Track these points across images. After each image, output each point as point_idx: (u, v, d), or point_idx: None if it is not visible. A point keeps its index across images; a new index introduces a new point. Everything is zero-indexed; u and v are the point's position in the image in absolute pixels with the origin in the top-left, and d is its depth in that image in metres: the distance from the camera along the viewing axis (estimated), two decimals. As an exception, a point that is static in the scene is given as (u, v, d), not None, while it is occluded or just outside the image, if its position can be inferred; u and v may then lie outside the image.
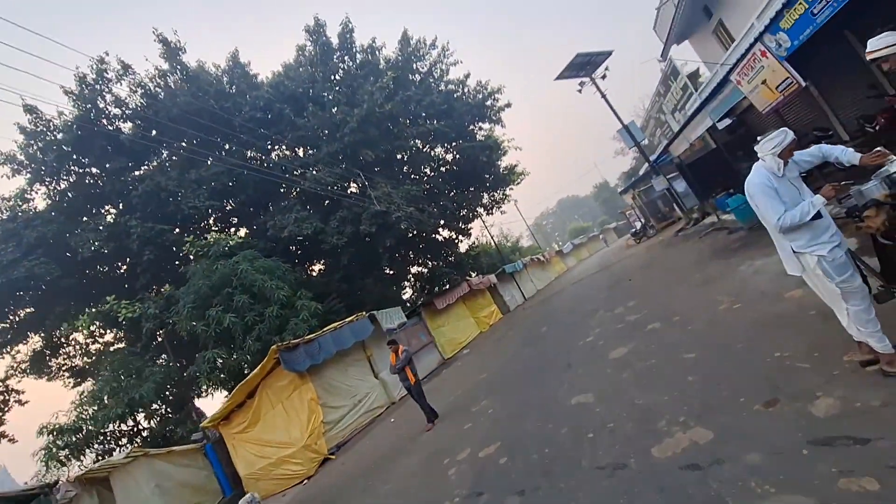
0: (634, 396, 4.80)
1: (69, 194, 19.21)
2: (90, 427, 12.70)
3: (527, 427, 5.60)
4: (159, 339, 15.95)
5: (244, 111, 20.16)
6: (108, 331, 19.36)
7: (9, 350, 19.64)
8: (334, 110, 18.79)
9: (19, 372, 20.11)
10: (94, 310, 16.00)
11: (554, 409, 5.67)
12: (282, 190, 20.50)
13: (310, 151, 18.99)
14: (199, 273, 14.99)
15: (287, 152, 19.92)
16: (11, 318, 17.69)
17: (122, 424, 13.39)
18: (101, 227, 17.28)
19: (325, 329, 12.83)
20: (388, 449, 8.39)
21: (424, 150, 27.25)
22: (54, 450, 12.25)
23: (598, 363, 6.57)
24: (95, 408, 13.15)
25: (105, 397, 13.39)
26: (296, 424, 11.17)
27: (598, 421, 4.69)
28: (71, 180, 19.23)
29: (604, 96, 20.74)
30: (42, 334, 17.96)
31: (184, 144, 19.14)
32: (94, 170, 19.40)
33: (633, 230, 29.53)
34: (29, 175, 18.48)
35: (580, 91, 21.12)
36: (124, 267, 18.69)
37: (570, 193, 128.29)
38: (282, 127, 19.84)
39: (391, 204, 17.88)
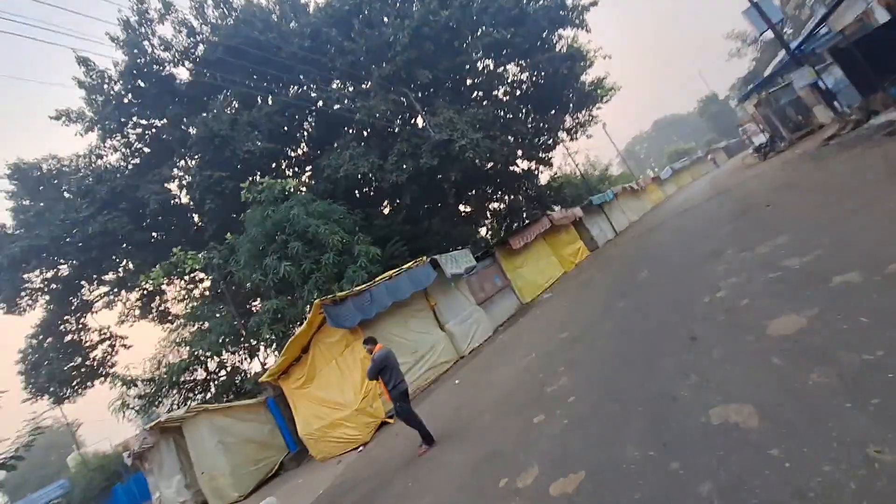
0: (856, 432, 2.37)
1: (137, 147, 19.30)
2: (164, 377, 12.90)
3: (627, 454, 3.41)
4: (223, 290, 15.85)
5: (294, 41, 18.35)
6: (199, 282, 19.95)
7: (120, 298, 21.26)
8: (385, 24, 16.18)
9: (131, 316, 21.84)
10: (166, 262, 16.09)
11: (674, 428, 3.39)
12: (344, 128, 18.85)
13: (362, 81, 16.89)
14: (254, 220, 14.13)
15: (339, 83, 18.00)
16: (107, 272, 18.68)
17: (193, 374, 13.53)
18: (163, 179, 17.06)
19: (377, 279, 11.30)
20: (440, 430, 6.71)
21: (495, 69, 23.77)
22: (126, 401, 12.68)
23: (747, 341, 4.06)
24: (171, 358, 13.34)
25: (176, 348, 13.54)
26: (349, 385, 10.01)
27: (779, 480, 2.37)
28: (137, 132, 19.23)
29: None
30: (134, 285, 18.84)
31: (233, 83, 17.98)
32: (156, 121, 19.17)
33: (757, 145, 24.07)
34: (100, 131, 18.70)
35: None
36: (196, 217, 18.70)
37: (668, 112, 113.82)
38: (332, 55, 17.81)
39: (454, 131, 15.41)
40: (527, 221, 21.27)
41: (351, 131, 18.10)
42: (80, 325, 20.27)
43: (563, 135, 29.22)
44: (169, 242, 18.46)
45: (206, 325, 15.37)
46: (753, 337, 4.06)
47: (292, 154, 19.45)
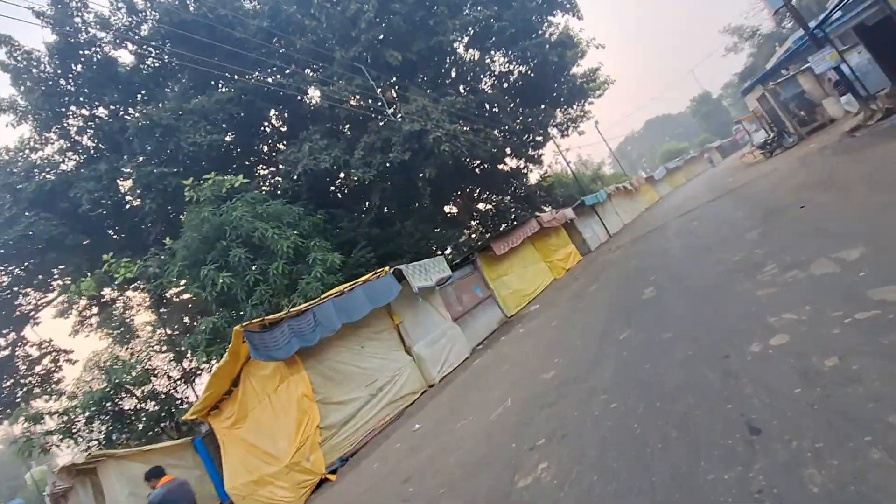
0: None
1: (77, 139, 17.15)
2: (79, 409, 10.82)
3: None
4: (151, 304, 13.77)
5: (250, 21, 16.31)
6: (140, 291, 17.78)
7: (75, 306, 18.97)
8: (347, -1, 14.24)
9: (87, 326, 19.60)
10: (99, 271, 13.97)
11: None
12: (308, 120, 16.82)
13: (325, 64, 14.90)
14: (192, 223, 12.09)
15: (298, 67, 15.98)
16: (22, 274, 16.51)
17: (118, 404, 11.44)
18: (100, 175, 14.94)
19: (325, 294, 9.33)
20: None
21: (480, 58, 21.87)
22: (33, 440, 10.56)
23: (870, 458, 2.15)
24: (93, 384, 11.27)
25: (93, 378, 11.48)
26: (283, 431, 8.01)
27: None
28: (78, 124, 17.07)
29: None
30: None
31: (181, 68, 15.90)
32: (97, 110, 17.02)
33: (762, 141, 22.39)
34: (33, 121, 16.52)
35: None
36: (136, 220, 16.58)
37: (660, 112, 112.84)
38: (292, 35, 15.78)
39: (427, 121, 13.47)
40: (515, 223, 19.42)
41: (315, 124, 16.09)
42: (18, 339, 18.08)
43: (553, 131, 27.45)
44: (109, 246, 16.34)
45: (134, 346, 13.37)
46: (878, 454, 2.16)
47: (257, 149, 17.40)
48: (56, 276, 16.73)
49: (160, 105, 14.92)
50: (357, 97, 14.59)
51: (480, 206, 26.57)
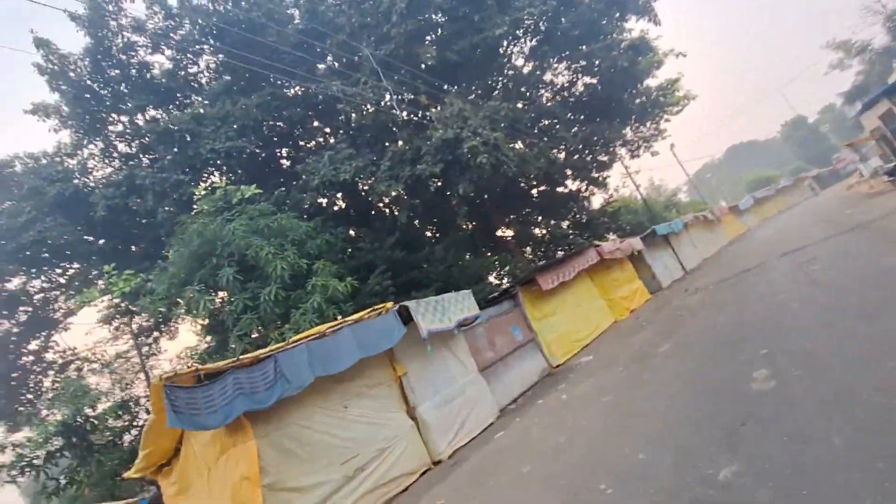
0: None
1: (115, 144, 16.79)
2: (37, 443, 9.45)
3: None
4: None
5: (287, 23, 15.25)
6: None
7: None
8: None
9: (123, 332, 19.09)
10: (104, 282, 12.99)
11: None
12: (332, 126, 15.35)
13: (354, 63, 13.29)
14: (184, 235, 10.62)
15: (328, 67, 14.56)
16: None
17: (79, 441, 10.00)
18: (119, 182, 14.17)
19: (297, 337, 7.21)
20: None
21: (537, 65, 19.55)
22: None
23: None
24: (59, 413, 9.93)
25: (57, 403, 10.15)
26: (214, 524, 5.88)
27: None
28: (117, 129, 16.72)
29: None
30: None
31: (217, 72, 15.04)
32: (134, 116, 16.58)
33: (891, 167, 18.02)
34: (72, 127, 16.35)
35: None
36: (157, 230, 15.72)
37: (744, 139, 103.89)
38: (325, 35, 14.41)
39: (463, 127, 11.31)
40: (570, 252, 16.64)
41: (340, 130, 14.53)
42: (42, 347, 17.78)
43: (621, 150, 24.31)
44: (128, 256, 15.56)
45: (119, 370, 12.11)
46: None
47: (278, 159, 16.17)
48: (76, 283, 16.18)
49: (183, 111, 14.01)
50: (387, 102, 12.81)
51: (536, 231, 23.86)
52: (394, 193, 12.38)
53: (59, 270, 16.21)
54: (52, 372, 17.09)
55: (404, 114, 11.87)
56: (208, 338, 11.80)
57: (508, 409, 9.90)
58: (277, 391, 6.24)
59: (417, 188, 12.83)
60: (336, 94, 12.43)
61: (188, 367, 6.16)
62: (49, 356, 17.49)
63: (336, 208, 14.70)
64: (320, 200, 13.02)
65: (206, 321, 11.22)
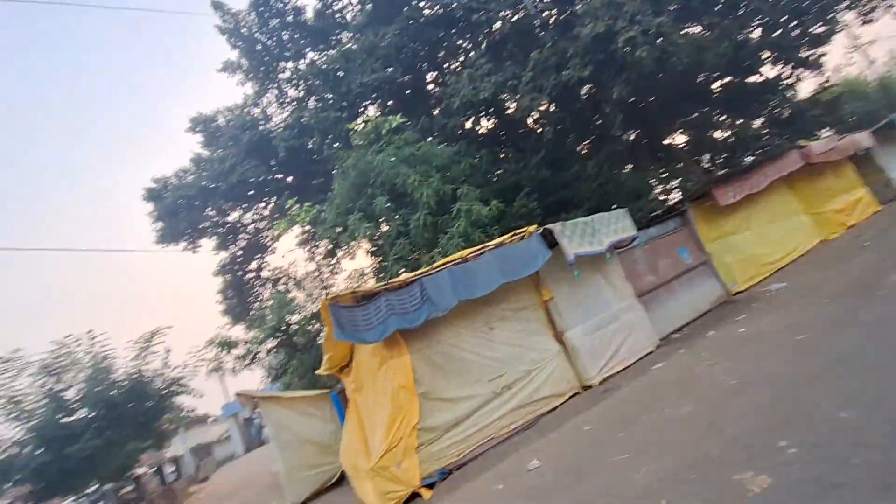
0: None
1: (284, 90, 18.84)
2: (256, 338, 12.08)
3: None
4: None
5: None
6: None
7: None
8: None
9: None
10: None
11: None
12: (469, 46, 14.50)
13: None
14: (343, 170, 11.60)
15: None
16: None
17: (287, 341, 12.40)
18: (292, 124, 15.98)
19: (441, 262, 7.36)
20: None
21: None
22: (222, 363, 12.35)
23: None
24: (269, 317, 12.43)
25: (270, 312, 12.59)
26: (379, 422, 6.73)
27: None
28: (284, 76, 18.66)
29: None
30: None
31: (352, 2, 15.34)
32: (297, 62, 18.18)
33: None
34: (252, 78, 18.73)
35: None
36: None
37: None
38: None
39: (616, 17, 9.49)
40: (759, 158, 13.60)
41: (482, 44, 13.59)
42: (259, 266, 22.19)
43: (847, 16, 18.07)
44: (310, 191, 17.87)
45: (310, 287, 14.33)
46: None
47: (422, 85, 16.14)
48: (275, 215, 19.40)
49: (334, 50, 14.76)
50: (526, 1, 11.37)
51: (716, 134, 19.91)
52: (539, 107, 11.38)
53: (261, 204, 19.63)
54: (268, 286, 21.37)
55: (545, 13, 10.42)
56: (372, 260, 13.15)
57: (671, 338, 9.01)
58: (424, 312, 6.58)
59: (564, 99, 11.53)
60: (471, 5, 11.51)
61: (347, 290, 6.86)
62: (264, 273, 21.80)
63: (480, 130, 14.29)
64: (463, 123, 12.74)
65: (368, 246, 12.44)
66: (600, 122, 12.83)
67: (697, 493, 3.25)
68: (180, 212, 18.22)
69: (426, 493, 6.07)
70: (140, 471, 18.56)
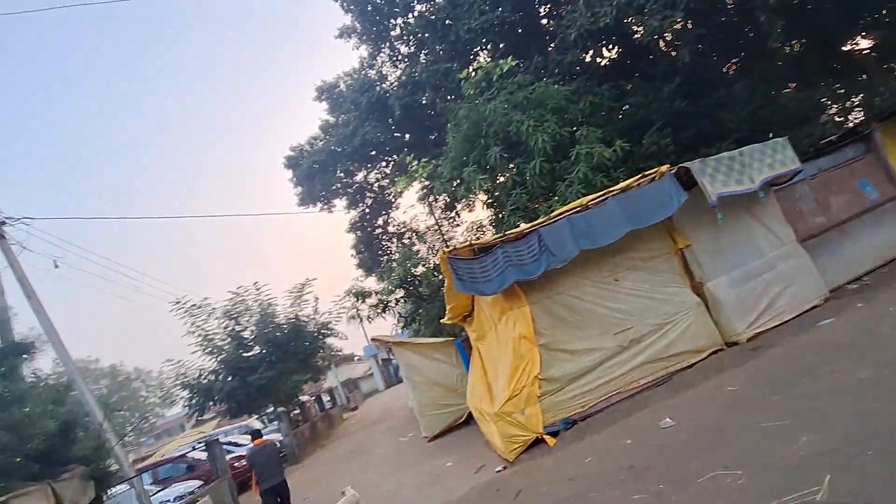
0: None
1: (398, 49, 19.07)
2: (388, 288, 13.06)
3: None
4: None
5: None
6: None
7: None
8: None
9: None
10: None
11: None
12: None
13: None
14: (455, 121, 11.51)
15: None
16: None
17: (413, 291, 13.17)
18: (405, 82, 16.21)
19: (563, 211, 6.96)
20: None
21: None
22: (359, 311, 13.61)
23: None
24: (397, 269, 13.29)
25: (396, 265, 13.39)
26: (502, 369, 6.90)
27: None
28: (394, 34, 18.84)
29: None
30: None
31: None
32: (408, 17, 18.14)
33: None
34: (367, 41, 19.24)
35: None
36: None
37: None
38: None
39: None
40: None
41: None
42: (385, 222, 23.75)
43: None
44: (427, 146, 18.26)
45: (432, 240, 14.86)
46: None
47: (532, 20, 14.93)
48: (397, 173, 20.32)
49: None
50: None
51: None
52: (672, 27, 9.80)
53: (383, 163, 20.68)
54: (393, 240, 22.86)
55: None
56: (489, 212, 13.13)
57: (846, 290, 7.60)
58: (543, 263, 6.41)
59: (704, 12, 9.70)
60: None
61: (464, 243, 6.96)
62: (390, 229, 23.29)
63: (600, 63, 12.90)
64: (581, 57, 11.59)
65: (485, 197, 12.39)
66: (752, 34, 10.58)
67: (874, 471, 2.74)
68: (315, 176, 20.08)
69: (550, 441, 6.17)
70: (304, 398, 21.99)
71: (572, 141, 9.81)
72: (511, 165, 10.47)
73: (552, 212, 7.84)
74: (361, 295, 13.69)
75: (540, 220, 6.87)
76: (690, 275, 7.37)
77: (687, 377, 6.37)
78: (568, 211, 6.85)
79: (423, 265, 13.37)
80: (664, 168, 7.04)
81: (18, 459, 5.76)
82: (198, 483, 11.93)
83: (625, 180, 7.48)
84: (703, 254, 7.32)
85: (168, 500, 10.74)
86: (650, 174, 7.06)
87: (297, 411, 19.93)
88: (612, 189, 7.00)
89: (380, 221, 23.90)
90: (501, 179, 11.12)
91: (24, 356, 8.04)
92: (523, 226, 7.08)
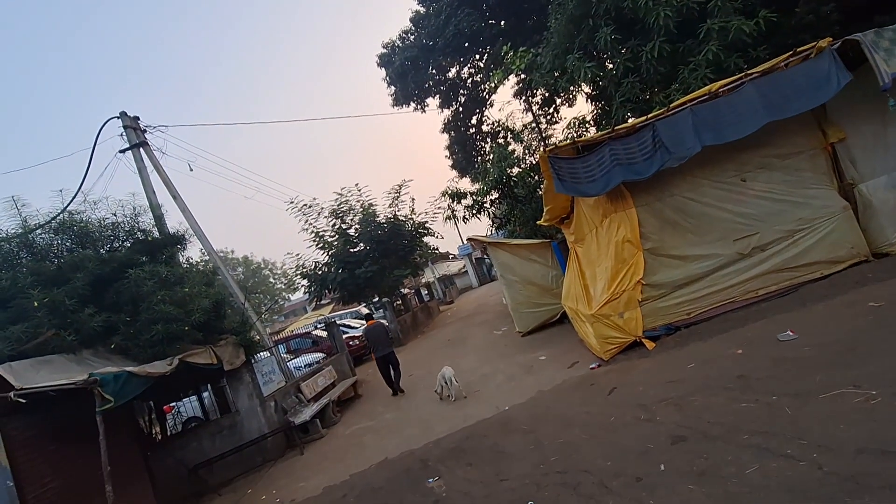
0: None
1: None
2: (482, 193, 12.97)
3: None
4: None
5: None
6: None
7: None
8: None
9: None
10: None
11: None
12: None
13: None
14: (564, 0, 10.14)
15: None
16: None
17: (508, 192, 12.87)
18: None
19: (685, 101, 6.05)
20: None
21: None
22: (454, 211, 13.76)
23: None
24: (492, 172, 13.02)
25: (491, 165, 13.02)
26: (602, 272, 6.77)
27: None
28: None
29: None
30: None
31: None
32: None
33: None
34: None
35: None
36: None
37: None
38: None
39: None
40: None
41: None
42: (479, 121, 22.97)
43: None
44: (522, 32, 16.70)
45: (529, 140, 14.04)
46: None
47: None
48: (491, 66, 19.02)
49: None
50: None
51: None
52: None
53: (477, 57, 19.42)
54: (488, 139, 22.21)
55: None
56: (593, 106, 12.02)
57: None
58: (657, 162, 5.87)
59: None
60: None
61: (567, 140, 6.52)
62: (484, 128, 22.56)
63: None
64: None
65: (589, 89, 11.26)
66: None
67: None
68: (407, 74, 19.55)
69: (649, 344, 6.14)
70: (405, 291, 23.96)
71: (702, 15, 8.24)
72: (623, 49, 9.21)
73: (670, 103, 6.93)
74: (456, 196, 13.85)
75: (655, 113, 6.12)
76: (839, 175, 6.29)
77: (817, 290, 5.75)
78: (690, 101, 6.00)
79: (519, 165, 12.95)
80: (824, 42, 5.71)
81: (186, 328, 7.09)
82: (322, 355, 14.04)
83: (767, 61, 6.25)
84: (860, 149, 6.13)
85: (300, 367, 12.84)
86: (803, 51, 5.79)
87: (399, 302, 21.88)
88: (750, 72, 5.90)
89: (473, 120, 23.20)
90: (610, 66, 9.91)
91: (179, 246, 9.47)
92: (634, 120, 6.38)
